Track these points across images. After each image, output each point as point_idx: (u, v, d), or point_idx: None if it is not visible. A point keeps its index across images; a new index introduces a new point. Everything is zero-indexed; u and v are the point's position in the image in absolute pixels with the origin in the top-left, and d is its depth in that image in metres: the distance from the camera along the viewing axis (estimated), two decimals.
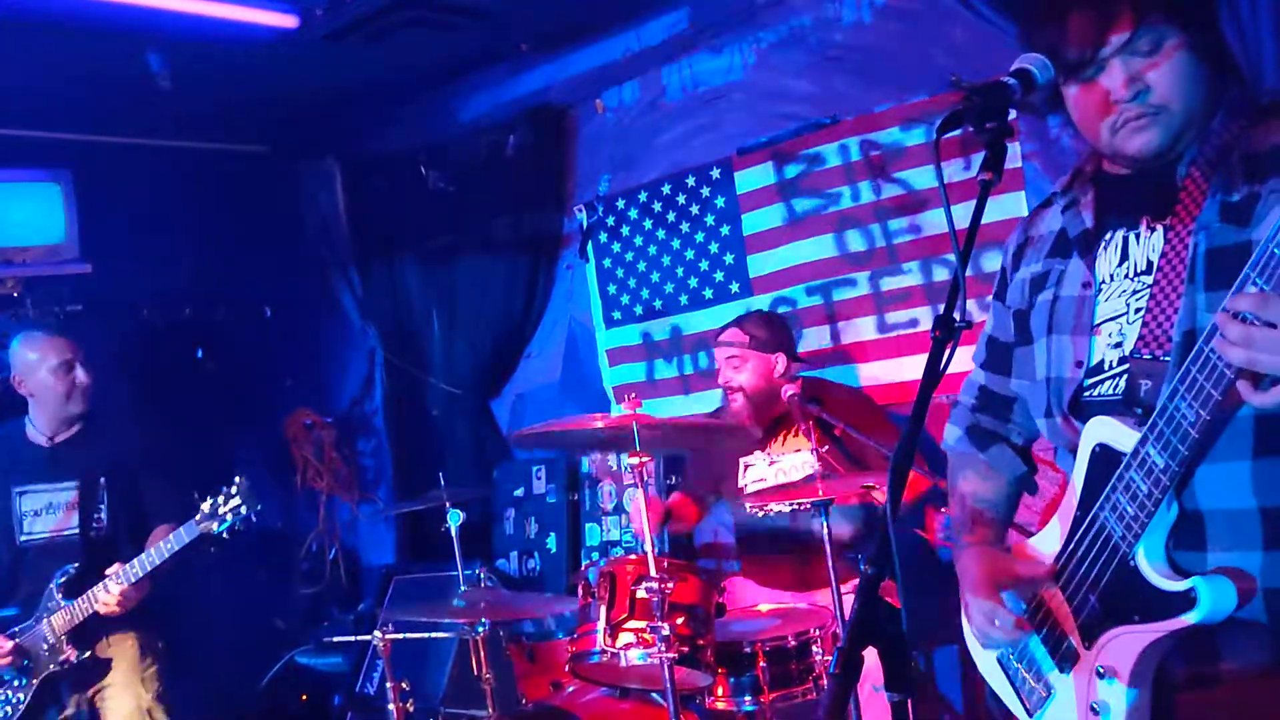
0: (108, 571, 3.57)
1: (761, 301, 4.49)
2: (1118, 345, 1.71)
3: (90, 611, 3.58)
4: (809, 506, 3.20)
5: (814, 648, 3.15)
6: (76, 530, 3.74)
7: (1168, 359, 1.63)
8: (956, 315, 1.56)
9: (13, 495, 3.78)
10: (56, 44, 4.36)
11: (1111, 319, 1.72)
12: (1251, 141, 1.63)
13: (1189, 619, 1.57)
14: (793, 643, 3.13)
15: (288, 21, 4.44)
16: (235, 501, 3.46)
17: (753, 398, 3.64)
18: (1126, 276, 1.72)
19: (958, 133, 1.63)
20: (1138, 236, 1.72)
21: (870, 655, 1.44)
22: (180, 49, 4.54)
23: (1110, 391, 1.71)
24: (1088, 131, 1.73)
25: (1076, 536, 1.73)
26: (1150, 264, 1.68)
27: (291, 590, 5.81)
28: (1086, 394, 1.74)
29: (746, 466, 3.76)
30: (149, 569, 3.53)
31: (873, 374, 4.21)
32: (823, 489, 3.06)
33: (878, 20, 4.11)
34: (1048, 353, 1.81)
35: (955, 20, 3.81)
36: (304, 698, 5.25)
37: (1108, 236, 1.76)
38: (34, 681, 3.62)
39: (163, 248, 5.34)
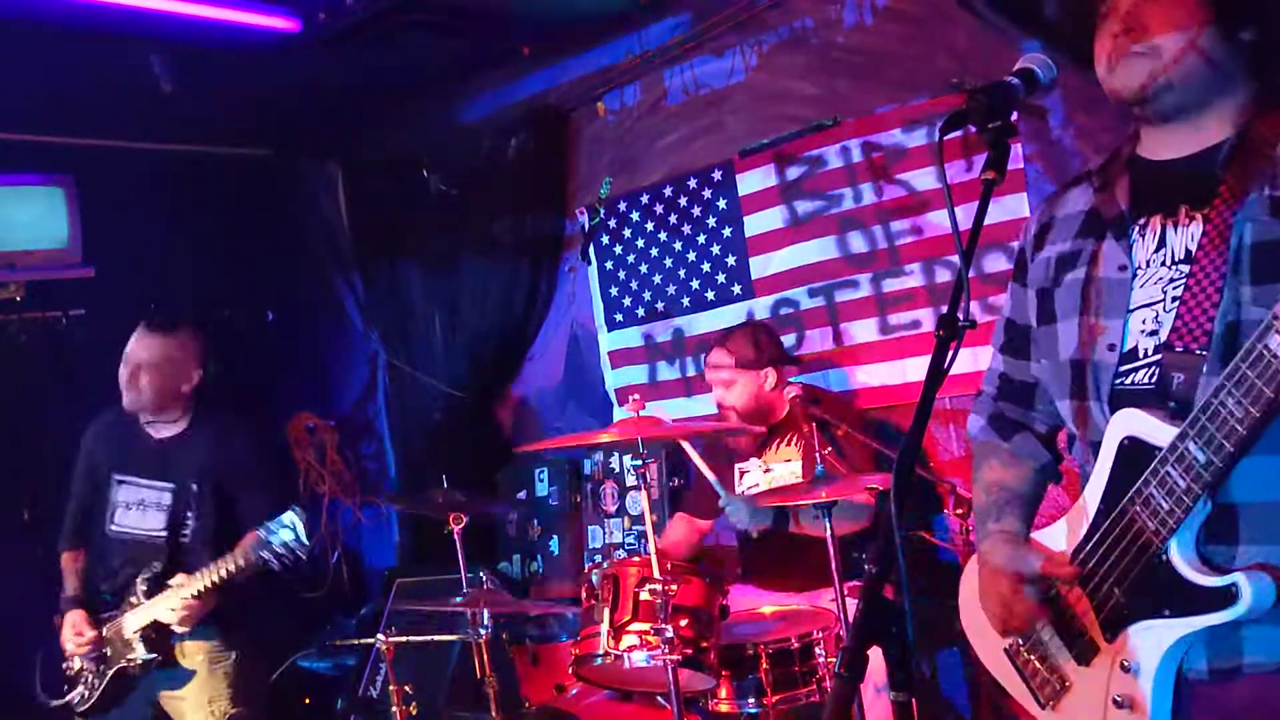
0: (171, 582, 3.52)
1: (763, 303, 4.49)
2: (1153, 334, 1.69)
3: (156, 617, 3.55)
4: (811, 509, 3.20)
5: (817, 649, 3.14)
6: (164, 534, 3.65)
7: (1203, 353, 1.61)
8: (960, 315, 1.56)
9: (112, 481, 3.72)
10: (59, 48, 4.37)
11: (1147, 305, 1.71)
12: None
13: (1230, 614, 1.55)
14: (796, 645, 3.13)
15: (289, 25, 4.44)
16: (287, 534, 3.35)
17: (744, 416, 3.69)
18: (1163, 264, 1.70)
19: (959, 133, 1.64)
20: (1175, 225, 1.71)
21: (874, 656, 1.44)
22: (182, 53, 4.55)
23: (1144, 381, 1.69)
24: (1102, 79, 1.74)
25: (1102, 529, 1.71)
26: (1189, 253, 1.67)
27: (294, 593, 5.80)
28: (1119, 382, 1.72)
29: (742, 473, 3.78)
30: (204, 587, 3.45)
31: (875, 376, 4.20)
32: (825, 491, 3.06)
33: (879, 22, 4.11)
34: (1077, 332, 1.79)
35: (956, 22, 3.82)
36: (306, 700, 5.25)
37: (1143, 221, 1.75)
38: (108, 671, 3.59)
39: (165, 251, 5.34)
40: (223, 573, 3.43)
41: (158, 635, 3.56)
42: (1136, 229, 1.75)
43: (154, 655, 3.56)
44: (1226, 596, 1.56)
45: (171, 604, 3.49)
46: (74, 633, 3.61)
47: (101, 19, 4.16)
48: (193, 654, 3.63)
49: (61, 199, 5.04)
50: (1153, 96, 1.69)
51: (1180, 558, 1.61)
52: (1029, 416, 2.00)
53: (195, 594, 3.46)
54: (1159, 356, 1.68)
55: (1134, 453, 1.66)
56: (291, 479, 5.79)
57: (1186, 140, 1.73)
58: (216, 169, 5.83)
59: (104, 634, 3.62)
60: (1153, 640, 1.64)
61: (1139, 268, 1.73)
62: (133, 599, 3.60)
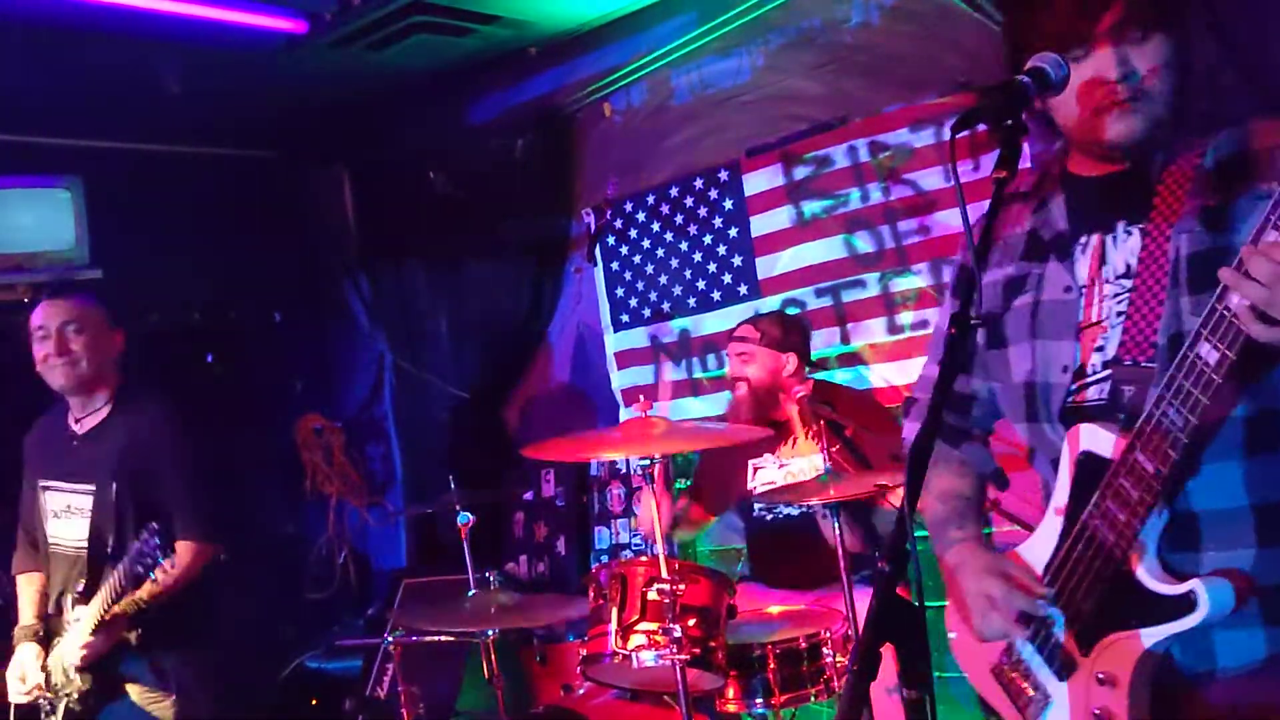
0: (67, 619, 3.18)
1: (771, 303, 4.49)
2: (1100, 349, 1.71)
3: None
4: (820, 509, 3.20)
5: (825, 649, 3.14)
6: (85, 545, 3.28)
7: (1150, 365, 1.63)
8: (973, 312, 1.55)
9: (39, 489, 3.39)
10: (66, 49, 4.37)
11: (1094, 323, 1.72)
12: (1224, 148, 1.64)
13: (1190, 621, 1.56)
14: (803, 645, 3.13)
15: (296, 26, 4.44)
16: (146, 553, 3.00)
17: (755, 391, 3.69)
18: (1106, 280, 1.72)
19: (967, 133, 1.63)
20: (1115, 240, 1.72)
21: (884, 657, 1.43)
22: (189, 54, 4.55)
23: (1095, 397, 1.71)
24: (1065, 116, 1.71)
25: (1066, 545, 1.71)
26: (1129, 267, 1.69)
27: (301, 595, 5.80)
28: (1071, 400, 1.73)
29: (756, 469, 3.77)
30: (94, 625, 3.11)
31: (883, 375, 4.20)
32: (833, 490, 3.06)
33: (886, 22, 4.11)
34: (1031, 357, 1.79)
35: (963, 22, 3.81)
36: (314, 701, 5.25)
37: (1083, 239, 1.76)
38: (56, 714, 3.23)
39: (172, 253, 5.34)
40: (101, 609, 3.07)
41: (97, 661, 3.18)
42: (1079, 248, 1.76)
43: (89, 683, 3.20)
44: (1186, 603, 1.57)
45: (76, 642, 3.13)
46: (17, 677, 3.24)
47: (108, 20, 4.16)
48: (131, 693, 3.25)
49: (68, 201, 5.03)
50: (1144, 142, 1.67)
51: (1142, 568, 1.62)
52: (968, 424, 2.00)
53: (91, 631, 3.11)
54: (1109, 371, 1.69)
55: (1090, 467, 1.67)
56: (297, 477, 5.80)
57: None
58: (223, 170, 5.83)
59: (47, 666, 3.26)
60: (1124, 651, 1.64)
61: (1084, 286, 1.75)
62: (66, 623, 3.24)
